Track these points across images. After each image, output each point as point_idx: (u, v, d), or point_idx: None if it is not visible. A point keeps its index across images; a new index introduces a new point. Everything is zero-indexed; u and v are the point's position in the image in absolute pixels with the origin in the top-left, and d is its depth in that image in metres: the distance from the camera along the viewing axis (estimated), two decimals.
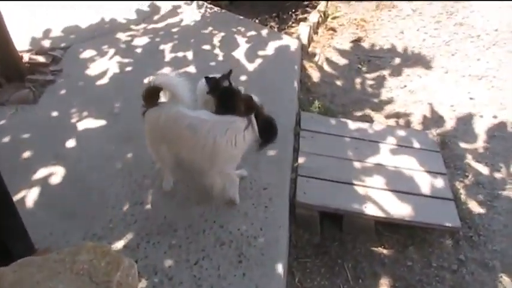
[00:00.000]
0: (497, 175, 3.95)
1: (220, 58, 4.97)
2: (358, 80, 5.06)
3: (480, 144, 4.24)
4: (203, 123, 2.90)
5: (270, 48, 5.09)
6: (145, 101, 3.01)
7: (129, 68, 4.87)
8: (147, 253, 2.96)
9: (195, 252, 2.96)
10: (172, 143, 3.07)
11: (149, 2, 6.17)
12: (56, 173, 3.59)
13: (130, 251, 2.96)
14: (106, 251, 1.97)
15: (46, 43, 5.29)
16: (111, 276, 1.89)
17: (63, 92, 4.53)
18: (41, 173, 3.60)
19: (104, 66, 4.89)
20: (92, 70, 4.84)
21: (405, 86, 4.93)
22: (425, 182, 3.62)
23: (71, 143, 3.89)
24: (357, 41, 5.73)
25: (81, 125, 4.07)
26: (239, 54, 5.00)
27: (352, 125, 4.19)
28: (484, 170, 4.00)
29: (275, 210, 3.24)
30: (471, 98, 4.73)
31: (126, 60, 5.00)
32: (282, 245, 3.04)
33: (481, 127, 4.41)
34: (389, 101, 4.74)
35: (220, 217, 3.19)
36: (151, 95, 2.99)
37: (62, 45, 5.27)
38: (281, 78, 4.56)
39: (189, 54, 5.04)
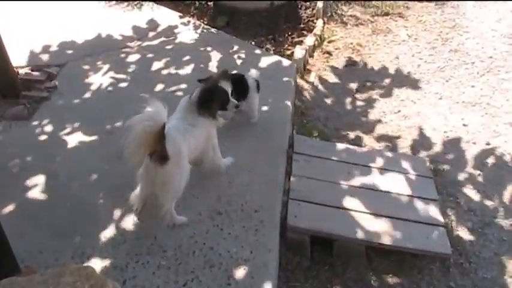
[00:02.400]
0: (489, 202, 3.99)
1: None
2: (352, 104, 5.12)
3: (472, 171, 4.29)
4: None
5: (265, 70, 5.14)
6: (155, 139, 2.95)
7: (123, 85, 4.94)
8: (135, 273, 2.96)
9: (184, 274, 2.96)
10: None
11: (145, 20, 6.25)
12: (47, 190, 3.61)
13: (119, 271, 2.97)
14: (90, 273, 1.96)
15: (42, 59, 5.36)
16: None
17: (57, 108, 4.57)
18: (31, 190, 3.61)
19: (98, 82, 4.95)
20: (86, 87, 4.89)
21: (399, 111, 4.99)
22: (417, 208, 3.65)
23: (63, 160, 3.92)
24: (352, 65, 5.81)
25: (74, 142, 4.10)
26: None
27: (345, 148, 4.24)
28: (476, 197, 4.04)
29: (265, 233, 3.25)
30: (464, 125, 4.80)
31: (120, 76, 5.06)
32: (271, 268, 3.05)
33: (473, 154, 4.46)
34: (383, 126, 4.80)
35: (210, 239, 3.20)
36: (161, 130, 2.94)
37: (58, 61, 5.33)
38: (275, 100, 4.61)
39: (183, 73, 5.10)
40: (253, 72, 3.94)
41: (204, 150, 3.47)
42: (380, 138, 4.63)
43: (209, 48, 5.62)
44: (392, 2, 7.10)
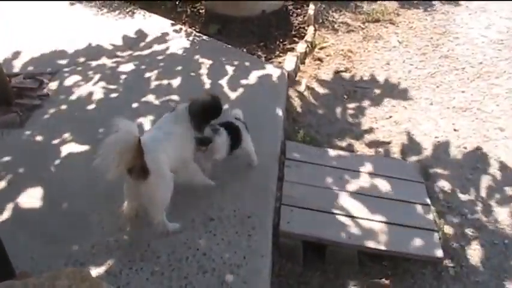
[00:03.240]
0: (481, 207, 4.04)
1: (207, 86, 5.05)
2: (343, 110, 5.16)
3: (464, 175, 4.33)
4: None
5: (257, 77, 5.19)
6: (133, 155, 2.97)
7: (114, 95, 4.95)
8: (129, 279, 2.99)
9: (177, 280, 2.99)
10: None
11: (136, 28, 6.29)
12: (39, 198, 3.63)
13: (113, 277, 2.99)
14: (85, 276, 1.98)
15: (34, 67, 5.38)
16: None
17: (49, 116, 4.59)
18: (24, 197, 3.63)
19: (89, 91, 4.97)
20: (78, 95, 4.92)
21: (390, 117, 5.04)
22: (408, 213, 3.70)
23: (55, 168, 3.94)
24: (343, 72, 5.85)
25: (66, 150, 4.12)
26: (225, 82, 5.10)
27: (336, 154, 4.28)
28: (468, 201, 4.08)
29: (258, 239, 3.28)
30: (455, 130, 4.85)
31: (111, 86, 5.08)
32: (264, 274, 3.08)
33: (464, 159, 4.51)
34: (374, 131, 4.84)
35: (203, 244, 3.22)
36: (139, 145, 2.97)
37: (50, 69, 5.35)
38: (267, 107, 4.65)
39: (175, 82, 5.12)
40: (236, 112, 3.83)
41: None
42: (371, 143, 4.67)
43: (201, 56, 5.65)
44: (383, 8, 7.17)
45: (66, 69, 5.38)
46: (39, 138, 4.29)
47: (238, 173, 3.84)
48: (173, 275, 3.02)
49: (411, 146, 4.65)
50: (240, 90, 4.96)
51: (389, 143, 4.67)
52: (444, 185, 4.23)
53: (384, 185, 3.94)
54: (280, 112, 4.61)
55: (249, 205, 3.54)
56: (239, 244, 3.24)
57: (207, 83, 5.13)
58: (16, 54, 5.57)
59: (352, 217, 3.58)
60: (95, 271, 3.02)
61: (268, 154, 4.05)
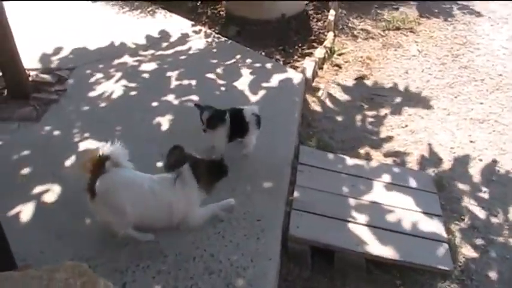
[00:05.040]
0: (494, 220, 3.97)
1: (224, 88, 5.07)
2: (359, 117, 5.12)
3: (478, 187, 4.26)
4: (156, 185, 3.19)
5: (274, 81, 5.18)
6: (93, 171, 3.06)
7: (133, 93, 4.98)
8: (135, 277, 2.98)
9: (183, 280, 2.97)
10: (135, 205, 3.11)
11: (158, 28, 6.31)
12: (53, 192, 3.65)
13: (119, 274, 2.99)
14: (83, 271, 1.98)
15: (53, 62, 5.44)
16: None
17: (66, 112, 4.63)
18: (37, 191, 3.65)
19: (109, 89, 5.01)
20: (96, 92, 4.95)
21: (406, 126, 4.99)
22: (420, 223, 3.65)
23: (70, 163, 3.95)
24: (361, 79, 5.82)
25: (82, 146, 4.14)
26: (242, 84, 5.10)
27: (350, 161, 4.24)
28: (481, 214, 4.01)
29: (267, 242, 3.26)
30: (471, 141, 4.78)
31: (131, 85, 5.11)
32: (271, 277, 3.05)
33: (479, 171, 4.44)
34: (389, 140, 4.78)
35: (211, 246, 3.21)
36: (100, 164, 3.06)
37: (69, 65, 5.40)
38: (283, 110, 4.64)
39: (194, 83, 5.14)
40: (253, 108, 3.88)
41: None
42: (386, 151, 4.62)
43: (220, 58, 5.67)
44: (403, 17, 7.11)
45: (85, 66, 5.42)
46: (55, 133, 4.32)
47: (249, 175, 3.82)
48: (179, 274, 3.01)
49: (425, 156, 4.59)
50: (258, 92, 4.96)
51: (404, 152, 4.61)
52: (458, 196, 4.16)
53: (396, 195, 3.89)
54: (296, 116, 4.60)
55: (259, 208, 3.52)
56: (247, 246, 3.22)
57: (226, 84, 5.14)
58: (37, 50, 5.63)
59: (362, 225, 3.54)
60: (101, 267, 3.02)
61: (281, 158, 4.04)
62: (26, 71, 4.88)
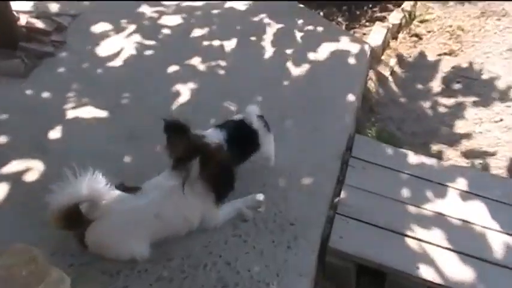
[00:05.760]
0: None
1: (267, 55, 5.12)
2: (438, 105, 5.14)
3: None
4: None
5: (330, 50, 5.21)
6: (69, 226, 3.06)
7: (149, 52, 5.08)
8: (128, 282, 3.02)
9: None
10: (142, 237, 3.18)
11: None
12: (34, 169, 3.72)
13: (108, 277, 3.02)
14: (33, 257, 2.03)
15: (52, 6, 5.53)
16: None
17: (62, 69, 4.74)
18: (16, 166, 3.74)
19: (119, 45, 5.12)
20: (103, 48, 5.07)
21: (500, 120, 4.97)
22: (499, 246, 3.61)
23: (58, 134, 4.05)
24: (447, 55, 5.80)
25: (76, 114, 4.24)
26: (289, 52, 5.15)
27: (416, 159, 4.25)
28: None
29: (299, 253, 3.28)
30: None
31: (147, 42, 5.21)
32: None
33: None
34: (473, 136, 4.79)
35: (228, 251, 3.25)
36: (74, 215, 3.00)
37: (71, 11, 5.49)
38: (337, 89, 4.67)
39: (229, 45, 5.21)
40: (253, 110, 3.64)
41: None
42: (467, 152, 4.63)
43: (266, 16, 5.72)
44: None
45: (93, 13, 5.53)
46: (44, 95, 4.43)
47: (285, 167, 3.86)
48: (184, 284, 3.05)
49: None
50: (306, 63, 5.00)
51: (493, 153, 4.60)
52: None
53: (476, 207, 3.87)
54: (353, 98, 4.61)
55: (294, 209, 3.56)
56: (274, 256, 3.25)
57: (268, 51, 5.19)
58: None
59: (425, 242, 3.55)
60: (87, 267, 3.07)
61: (329, 148, 4.08)
62: (16, 14, 4.95)
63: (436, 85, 5.38)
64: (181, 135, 3.12)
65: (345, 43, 5.37)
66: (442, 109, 5.10)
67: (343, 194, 3.80)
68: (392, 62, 5.54)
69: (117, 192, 3.11)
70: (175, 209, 3.16)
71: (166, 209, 3.13)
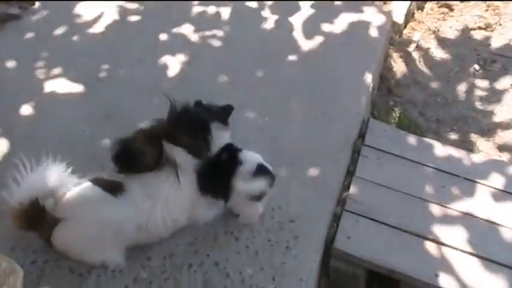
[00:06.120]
0: None
1: (269, 25, 5.11)
2: (468, 88, 5.11)
3: None
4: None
5: (344, 22, 5.19)
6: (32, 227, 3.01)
7: (134, 18, 5.08)
8: (98, 283, 3.01)
9: None
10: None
11: None
12: None
13: (77, 277, 3.01)
14: None
15: None
16: None
17: (30, 35, 4.73)
18: None
19: (98, 8, 5.12)
20: (79, 11, 5.08)
21: None
22: None
23: (27, 111, 4.04)
24: (482, 29, 5.76)
25: (46, 88, 4.23)
26: (297, 22, 5.13)
27: (442, 150, 4.22)
28: None
29: (299, 255, 3.26)
30: None
31: (131, 6, 5.21)
32: None
33: None
34: (510, 126, 4.76)
35: (217, 251, 3.23)
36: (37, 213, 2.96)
37: None
38: (350, 67, 4.64)
39: (225, 12, 5.20)
40: (256, 158, 3.34)
41: None
42: (503, 144, 4.61)
43: None
44: None
45: None
46: (9, 64, 4.43)
47: (289, 155, 3.84)
48: (165, 287, 3.04)
49: None
50: (316, 36, 4.97)
51: None
52: None
53: (505, 207, 3.84)
54: (369, 78, 4.58)
55: (296, 204, 3.54)
56: (270, 258, 3.23)
57: (272, 20, 5.17)
58: None
59: (445, 245, 3.53)
60: (54, 265, 3.06)
61: (338, 135, 4.05)
62: None
63: (467, 64, 5.33)
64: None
65: (362, 13, 5.34)
66: (474, 92, 5.06)
67: (352, 188, 3.78)
68: (417, 36, 5.49)
69: (92, 188, 3.04)
70: (164, 216, 3.08)
71: (153, 218, 3.04)
